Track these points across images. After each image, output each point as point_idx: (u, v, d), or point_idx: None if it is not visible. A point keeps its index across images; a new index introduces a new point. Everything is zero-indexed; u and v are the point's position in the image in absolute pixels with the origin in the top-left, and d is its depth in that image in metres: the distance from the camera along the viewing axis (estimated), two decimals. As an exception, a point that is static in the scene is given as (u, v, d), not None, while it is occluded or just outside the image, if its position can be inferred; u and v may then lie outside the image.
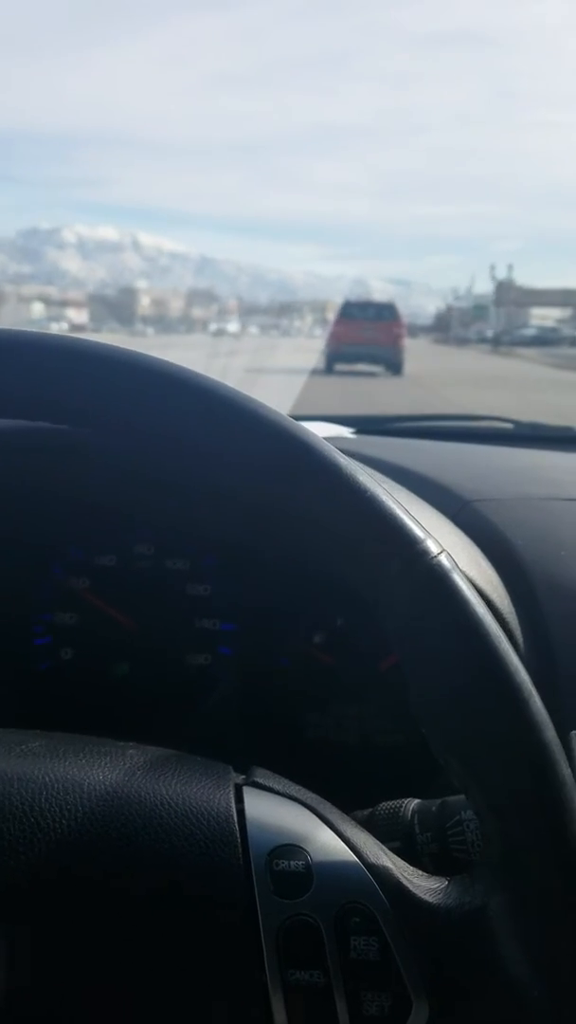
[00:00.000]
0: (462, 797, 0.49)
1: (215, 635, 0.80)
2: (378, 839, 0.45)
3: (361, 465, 0.43)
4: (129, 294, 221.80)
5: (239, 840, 0.41)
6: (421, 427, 1.27)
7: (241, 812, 0.42)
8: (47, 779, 0.43)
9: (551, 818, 0.39)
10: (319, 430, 1.57)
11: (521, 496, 0.87)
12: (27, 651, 0.80)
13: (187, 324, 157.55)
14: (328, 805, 0.45)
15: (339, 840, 0.43)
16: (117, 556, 0.81)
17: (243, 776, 0.45)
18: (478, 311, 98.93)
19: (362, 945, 0.40)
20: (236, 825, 0.42)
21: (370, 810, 0.54)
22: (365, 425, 1.27)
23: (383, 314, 20.74)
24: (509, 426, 1.30)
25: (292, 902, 0.40)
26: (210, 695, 0.79)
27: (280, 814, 0.43)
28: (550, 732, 0.40)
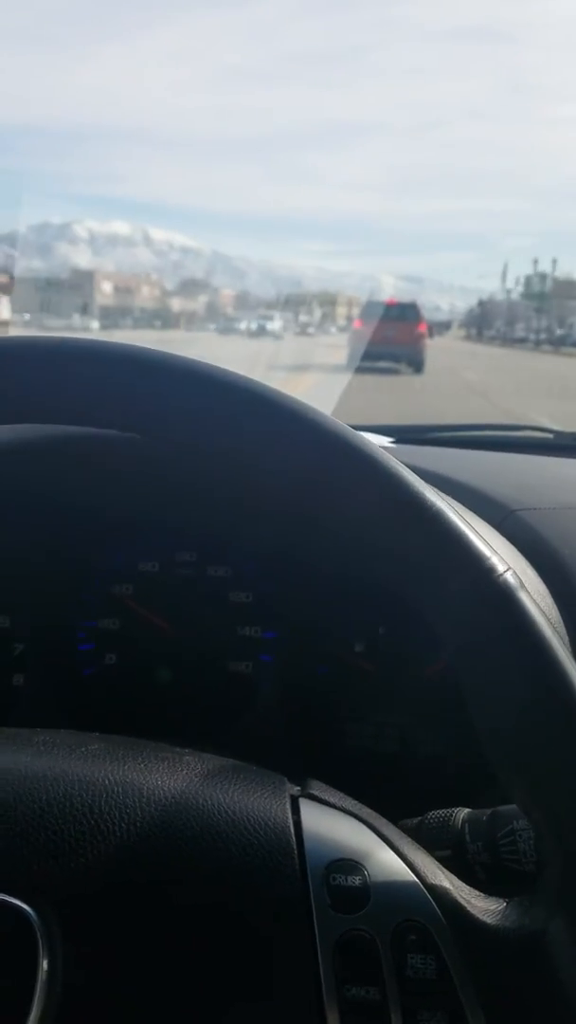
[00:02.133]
0: (514, 807, 0.49)
1: (257, 642, 0.82)
2: (428, 847, 0.44)
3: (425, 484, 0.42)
4: (83, 278, 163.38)
5: (296, 852, 0.41)
6: (460, 437, 1.27)
7: (298, 824, 0.42)
8: (107, 781, 0.43)
9: None
10: None
11: (565, 505, 0.87)
12: (72, 656, 0.82)
13: (164, 318, 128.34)
14: (384, 821, 0.45)
15: (396, 857, 0.42)
16: (160, 563, 0.83)
17: (298, 787, 0.45)
18: (535, 299, 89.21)
19: (419, 963, 0.40)
20: (293, 837, 0.41)
21: (419, 819, 0.54)
22: (404, 434, 1.27)
23: (406, 314, 20.86)
24: (549, 436, 1.30)
25: (349, 917, 0.40)
26: (252, 702, 0.80)
27: (337, 828, 0.43)
28: None
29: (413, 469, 0.96)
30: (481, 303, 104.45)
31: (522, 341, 71.63)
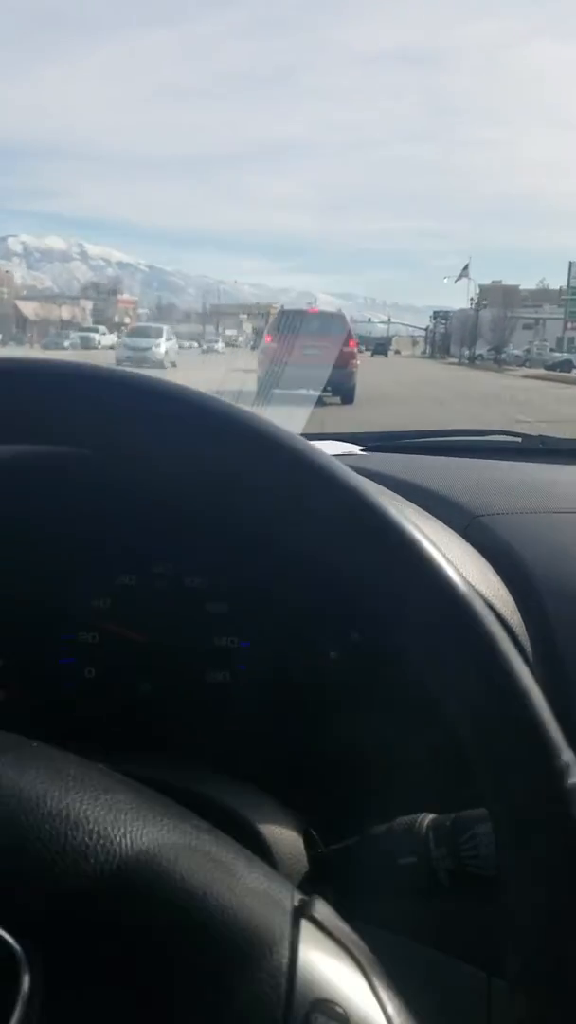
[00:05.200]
0: (476, 811, 0.50)
1: (234, 652, 0.84)
2: (394, 854, 0.45)
3: (379, 488, 0.43)
4: None
5: (286, 976, 0.38)
6: (430, 443, 1.29)
7: (295, 947, 0.40)
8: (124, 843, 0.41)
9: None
10: (329, 448, 1.31)
11: (529, 510, 0.90)
12: (52, 671, 0.84)
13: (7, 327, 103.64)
14: (371, 958, 0.43)
15: (379, 1009, 0.40)
16: (137, 576, 0.85)
17: (301, 899, 0.43)
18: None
19: None
20: (287, 960, 0.39)
21: (387, 825, 0.54)
22: (374, 442, 1.30)
23: (332, 327, 16.03)
24: (517, 440, 1.32)
25: None
26: (230, 711, 0.83)
27: (330, 963, 0.41)
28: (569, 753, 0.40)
29: (381, 476, 0.93)
30: (443, 316, 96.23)
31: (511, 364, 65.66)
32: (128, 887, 0.39)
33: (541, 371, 48.49)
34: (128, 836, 0.41)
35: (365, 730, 0.80)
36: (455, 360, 75.27)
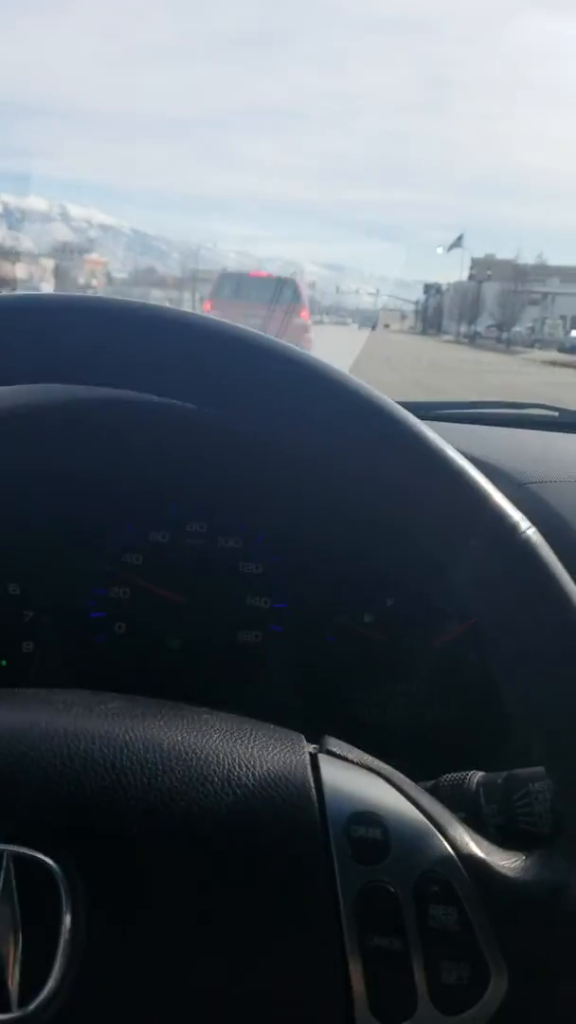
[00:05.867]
0: (530, 769, 0.50)
1: (266, 613, 0.85)
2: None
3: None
4: None
5: (317, 805, 0.42)
6: (467, 413, 1.30)
7: (318, 779, 0.43)
8: (127, 737, 0.44)
9: None
10: None
11: (573, 479, 0.90)
12: (82, 624, 0.85)
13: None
14: (401, 775, 0.46)
15: (415, 809, 0.43)
16: (170, 533, 0.86)
17: (316, 745, 0.46)
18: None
19: (441, 914, 0.40)
20: (314, 790, 0.42)
21: (433, 782, 0.54)
22: (411, 411, 1.22)
23: (279, 295, 12.82)
24: (554, 414, 1.33)
25: (370, 868, 0.41)
26: (261, 671, 0.84)
27: (356, 782, 0.44)
28: None
29: None
30: (436, 289, 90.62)
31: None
32: (140, 777, 0.41)
33: (560, 355, 43.04)
34: (129, 732, 0.43)
35: (397, 694, 0.82)
36: (450, 337, 69.89)
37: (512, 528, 0.42)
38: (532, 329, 68.51)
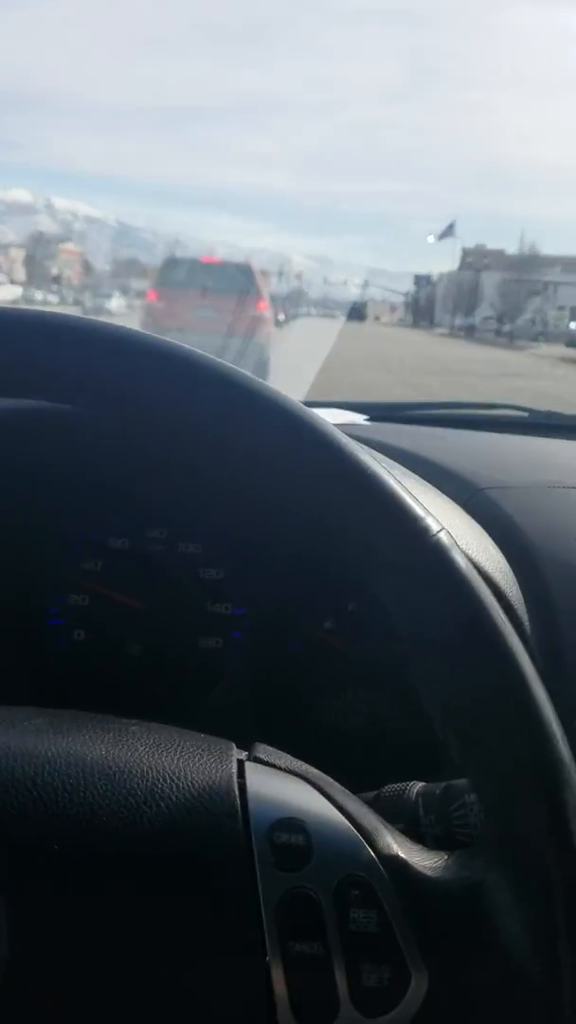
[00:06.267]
0: (467, 781, 0.50)
1: (227, 619, 0.84)
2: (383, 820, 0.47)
3: (362, 446, 0.44)
4: None
5: (240, 813, 0.42)
6: (436, 415, 1.30)
7: (243, 786, 0.44)
8: (50, 753, 0.44)
9: (548, 792, 0.40)
10: (332, 416, 1.32)
11: (533, 484, 0.90)
12: (42, 632, 0.84)
13: None
14: (329, 780, 0.46)
15: (339, 814, 0.44)
16: (129, 539, 0.84)
17: (246, 752, 0.47)
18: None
19: (361, 917, 0.41)
20: (237, 798, 0.43)
21: (375, 792, 0.55)
22: (379, 412, 1.29)
23: (233, 283, 11.29)
24: (524, 415, 1.32)
25: (292, 874, 0.42)
26: (222, 678, 0.83)
27: (281, 788, 0.44)
28: (549, 709, 0.41)
29: (385, 446, 0.93)
30: (426, 280, 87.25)
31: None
32: (62, 793, 0.41)
33: (572, 350, 40.04)
34: (53, 748, 0.44)
35: (359, 701, 0.81)
36: (444, 330, 67.04)
37: (423, 532, 0.42)
38: (532, 321, 65.77)
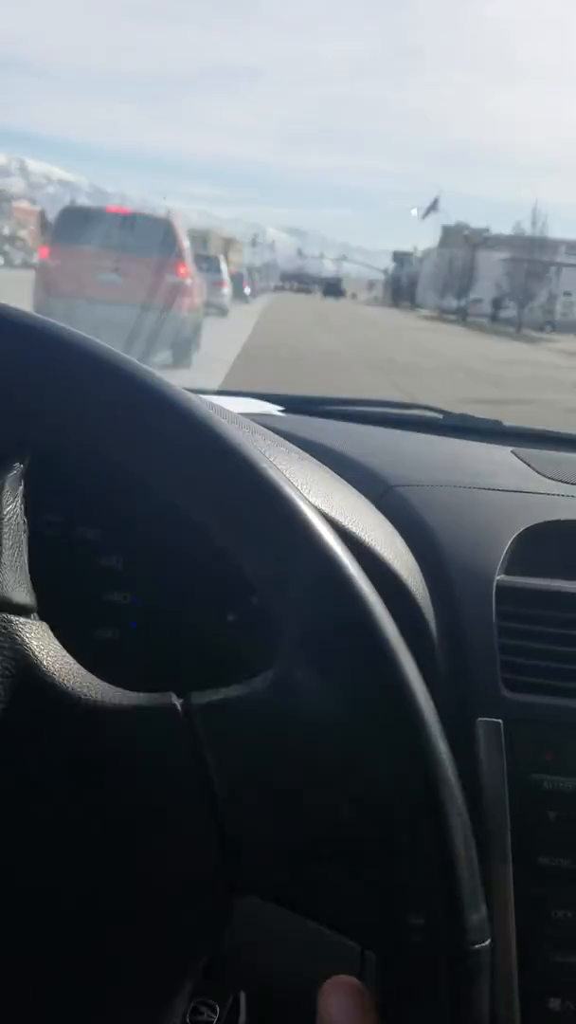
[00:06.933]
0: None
1: (124, 609, 0.80)
2: None
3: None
4: None
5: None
6: (350, 411, 1.30)
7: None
8: None
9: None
10: (247, 406, 1.25)
11: (443, 483, 0.91)
12: None
13: None
14: None
15: None
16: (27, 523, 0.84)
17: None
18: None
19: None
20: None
21: None
22: (294, 404, 1.30)
23: (148, 240, 8.92)
24: (438, 416, 1.36)
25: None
26: (116, 670, 0.77)
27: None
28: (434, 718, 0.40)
29: (298, 439, 0.90)
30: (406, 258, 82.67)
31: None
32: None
33: None
34: None
35: None
36: (429, 312, 61.92)
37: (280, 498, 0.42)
38: (547, 309, 60.39)
